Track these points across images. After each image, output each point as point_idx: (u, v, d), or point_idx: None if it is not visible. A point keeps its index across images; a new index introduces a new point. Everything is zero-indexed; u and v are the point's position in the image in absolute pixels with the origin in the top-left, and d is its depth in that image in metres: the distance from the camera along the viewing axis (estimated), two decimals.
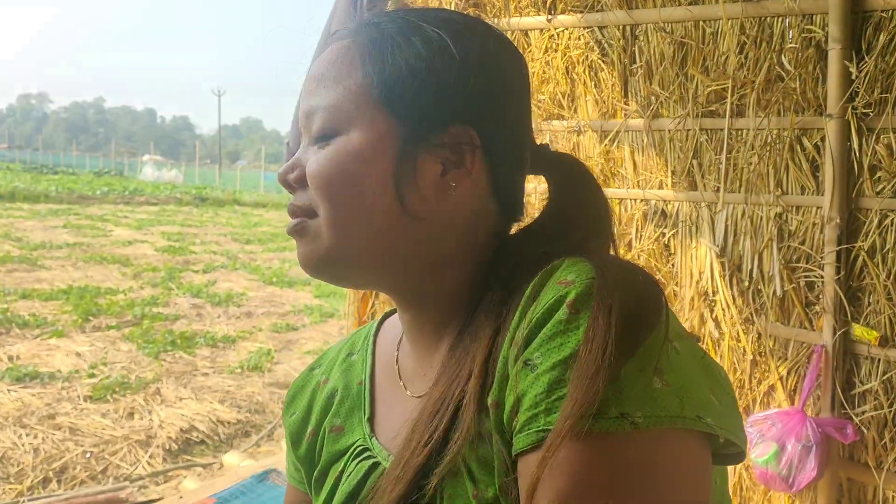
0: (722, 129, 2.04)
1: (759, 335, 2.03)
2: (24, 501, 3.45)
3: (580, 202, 0.76)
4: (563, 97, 2.35)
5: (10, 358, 5.51)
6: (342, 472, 0.78)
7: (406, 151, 0.69)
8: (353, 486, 0.75)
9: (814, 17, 1.87)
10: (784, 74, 1.92)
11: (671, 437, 0.53)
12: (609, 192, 2.30)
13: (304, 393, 0.91)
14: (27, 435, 4.15)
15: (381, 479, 0.69)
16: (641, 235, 2.25)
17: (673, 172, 2.17)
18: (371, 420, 0.81)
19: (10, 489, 3.60)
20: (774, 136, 1.96)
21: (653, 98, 2.16)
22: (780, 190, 1.97)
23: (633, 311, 0.56)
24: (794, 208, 1.96)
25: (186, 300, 8.18)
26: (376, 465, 0.75)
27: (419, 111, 0.70)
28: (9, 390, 4.81)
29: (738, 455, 0.61)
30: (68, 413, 4.53)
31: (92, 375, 5.23)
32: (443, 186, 0.70)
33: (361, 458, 0.77)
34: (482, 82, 0.72)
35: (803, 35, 1.89)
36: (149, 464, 4.00)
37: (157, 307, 7.70)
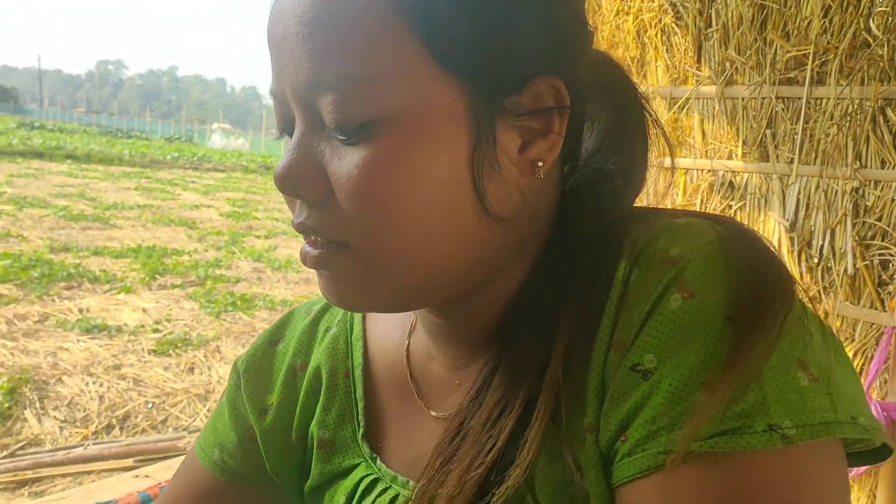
0: (800, 98, 1.95)
1: (826, 314, 1.94)
2: (88, 445, 3.59)
3: (627, 125, 0.57)
4: (633, 62, 2.28)
5: (81, 310, 5.72)
6: None
7: (482, 125, 0.47)
8: None
9: None
10: (870, 40, 1.81)
11: (827, 449, 0.43)
12: (676, 161, 2.23)
13: (270, 376, 0.70)
14: (94, 383, 4.32)
15: None
16: (706, 207, 2.18)
17: (744, 142, 2.08)
18: (369, 436, 0.63)
19: (76, 433, 3.75)
20: (856, 106, 1.86)
21: (727, 64, 2.08)
22: (858, 163, 1.87)
23: (762, 287, 0.44)
24: (873, 183, 1.86)
25: (248, 264, 8.36)
26: (395, 497, 0.59)
27: (492, 62, 0.47)
28: (78, 340, 5.00)
29: (873, 453, 0.49)
30: (133, 365, 4.69)
31: (156, 331, 5.40)
32: (525, 167, 0.50)
33: (375, 492, 0.60)
34: (559, 4, 0.51)
35: None
36: (206, 416, 4.12)
37: (220, 269, 7.89)
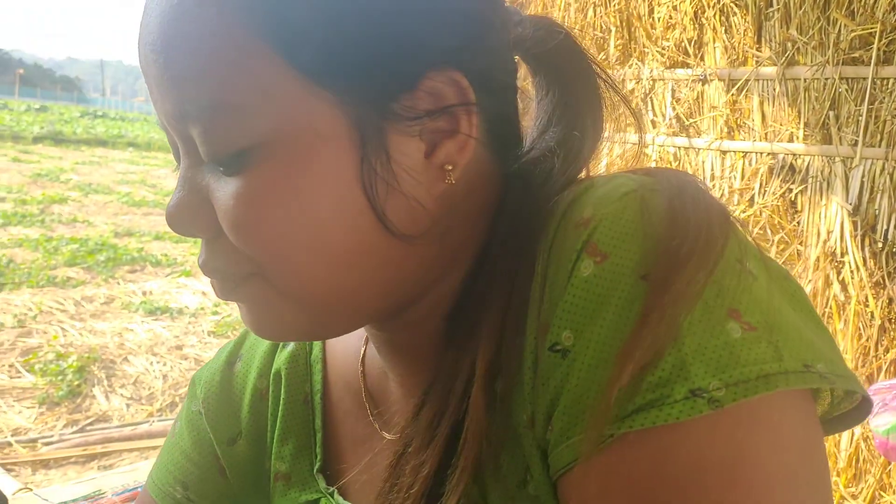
0: (865, 78, 1.89)
1: (891, 300, 1.90)
2: (153, 422, 3.73)
3: (572, 97, 0.50)
4: (690, 44, 2.25)
5: (144, 293, 5.92)
6: None
7: (369, 139, 0.42)
8: None
9: None
10: None
11: (771, 407, 0.36)
12: (733, 144, 2.20)
13: (233, 402, 0.64)
14: (157, 363, 4.47)
15: None
16: (765, 191, 2.14)
17: (806, 124, 2.04)
18: (327, 469, 0.59)
19: (141, 410, 3.90)
20: None
21: (789, 44, 2.03)
22: None
23: (682, 236, 0.38)
24: None
25: None
26: None
27: (368, 65, 0.42)
28: (142, 322, 5.19)
29: (858, 410, 0.43)
30: (194, 345, 4.84)
31: (215, 313, 5.56)
32: (434, 173, 0.44)
33: None
34: None
35: None
36: None
37: None
